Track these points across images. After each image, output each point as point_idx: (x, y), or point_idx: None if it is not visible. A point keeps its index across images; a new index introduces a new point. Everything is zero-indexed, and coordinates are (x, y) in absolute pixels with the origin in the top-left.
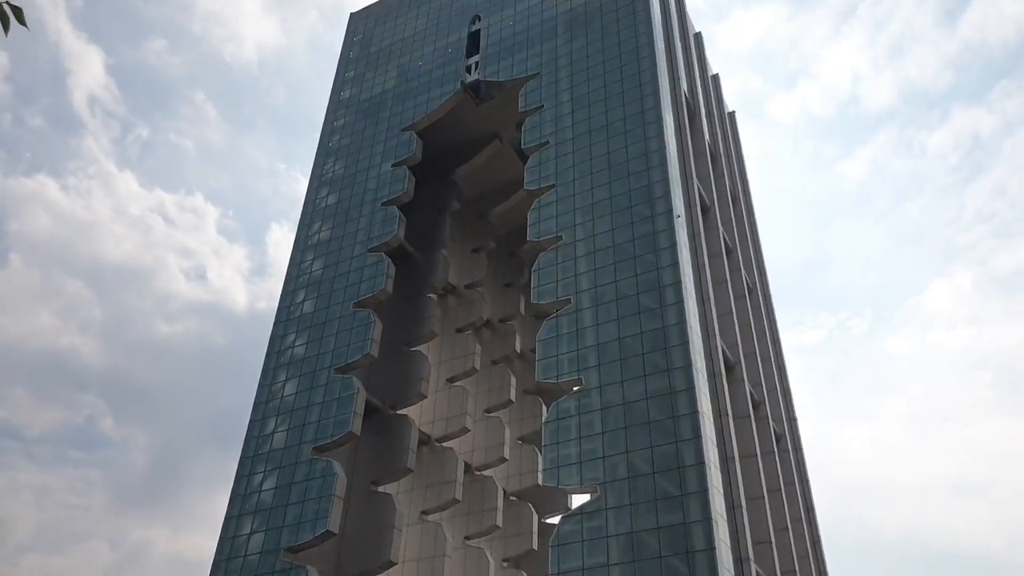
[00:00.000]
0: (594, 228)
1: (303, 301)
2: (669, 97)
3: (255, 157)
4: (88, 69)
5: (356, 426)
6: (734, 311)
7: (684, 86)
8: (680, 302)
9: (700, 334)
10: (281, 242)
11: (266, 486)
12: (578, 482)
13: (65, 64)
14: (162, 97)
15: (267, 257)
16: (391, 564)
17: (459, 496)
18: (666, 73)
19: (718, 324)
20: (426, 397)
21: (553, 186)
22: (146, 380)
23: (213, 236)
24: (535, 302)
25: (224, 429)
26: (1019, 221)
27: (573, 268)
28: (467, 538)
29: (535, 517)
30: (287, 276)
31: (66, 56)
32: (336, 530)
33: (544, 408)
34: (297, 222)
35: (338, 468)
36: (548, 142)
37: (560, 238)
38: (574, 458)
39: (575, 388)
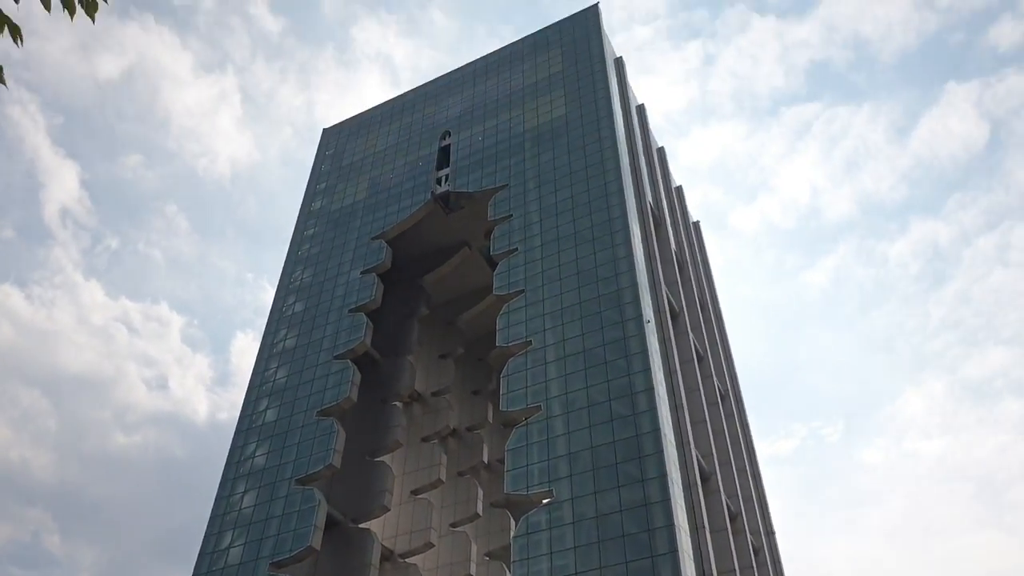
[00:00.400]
0: (564, 333)
1: (265, 409)
2: (635, 207)
3: (223, 267)
4: (62, 183)
5: (316, 540)
6: (707, 419)
7: (649, 197)
8: (653, 409)
9: (674, 443)
10: (245, 351)
11: None
12: None
13: (40, 178)
14: (134, 209)
15: (230, 366)
16: None
17: None
18: (631, 185)
19: (692, 432)
20: (389, 510)
21: (522, 291)
22: (98, 494)
23: (177, 345)
24: (504, 409)
25: (178, 546)
26: (984, 329)
27: (543, 374)
28: None
29: None
30: (250, 384)
31: (42, 171)
32: None
33: (513, 522)
34: (263, 331)
35: None
36: (517, 249)
37: (530, 343)
38: (545, 575)
39: (545, 500)
